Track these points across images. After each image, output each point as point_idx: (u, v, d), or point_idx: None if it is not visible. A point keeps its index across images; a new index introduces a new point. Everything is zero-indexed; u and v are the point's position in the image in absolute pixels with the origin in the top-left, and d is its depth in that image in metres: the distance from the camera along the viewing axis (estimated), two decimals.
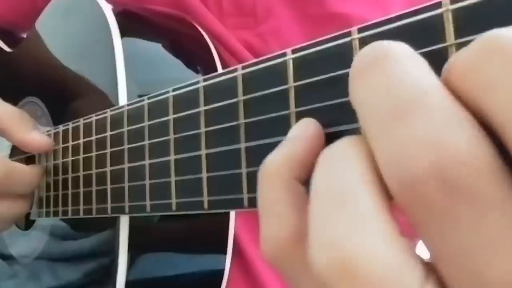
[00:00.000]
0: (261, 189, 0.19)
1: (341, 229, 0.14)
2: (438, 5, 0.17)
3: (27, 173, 0.45)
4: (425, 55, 0.17)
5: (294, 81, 0.22)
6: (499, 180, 0.12)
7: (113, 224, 0.40)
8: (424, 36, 0.17)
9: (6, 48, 0.67)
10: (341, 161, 0.16)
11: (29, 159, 0.55)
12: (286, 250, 0.17)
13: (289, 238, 0.17)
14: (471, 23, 0.16)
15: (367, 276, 0.14)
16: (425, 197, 0.13)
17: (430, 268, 0.14)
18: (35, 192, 0.49)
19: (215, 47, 0.47)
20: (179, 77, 0.44)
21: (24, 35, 0.74)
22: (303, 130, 0.19)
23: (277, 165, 0.18)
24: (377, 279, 0.14)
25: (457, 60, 0.14)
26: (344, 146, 0.16)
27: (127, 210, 0.34)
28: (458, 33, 0.16)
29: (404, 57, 0.15)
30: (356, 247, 0.14)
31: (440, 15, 0.17)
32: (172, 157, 0.29)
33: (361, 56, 0.16)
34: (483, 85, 0.13)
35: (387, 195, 0.15)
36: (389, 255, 0.14)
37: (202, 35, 0.48)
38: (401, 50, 0.15)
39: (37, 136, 0.45)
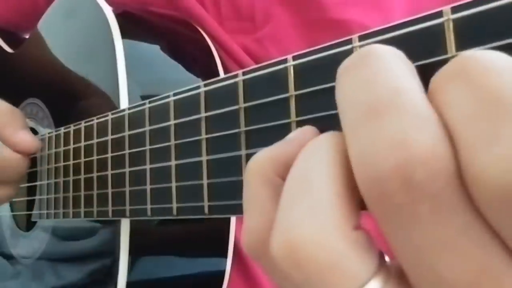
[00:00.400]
0: (245, 184, 0.19)
1: (295, 216, 0.15)
2: (439, 14, 0.17)
3: (14, 160, 0.45)
4: (426, 64, 0.17)
5: (295, 89, 0.22)
6: (456, 184, 0.13)
7: (115, 225, 0.40)
8: (424, 45, 0.17)
9: (8, 49, 0.67)
10: (314, 153, 0.16)
11: (31, 160, 0.56)
12: (261, 241, 0.18)
13: (265, 228, 0.18)
14: (472, 32, 0.16)
15: (310, 261, 0.14)
16: (388, 195, 0.13)
17: (391, 268, 0.15)
18: (36, 194, 0.50)
19: (216, 50, 0.47)
20: (180, 80, 0.44)
21: (26, 36, 0.75)
22: (298, 136, 0.20)
23: (261, 162, 0.19)
24: (320, 265, 0.14)
25: (435, 76, 0.14)
26: (321, 139, 0.17)
27: (128, 213, 0.34)
28: (459, 42, 0.16)
29: (387, 58, 0.15)
30: (305, 232, 0.15)
31: (441, 24, 0.17)
32: (173, 162, 0.29)
33: (349, 57, 0.16)
34: (446, 101, 0.14)
35: (355, 192, 0.15)
36: (337, 244, 0.14)
37: (204, 38, 0.48)
38: (386, 51, 0.15)
39: (24, 136, 0.45)
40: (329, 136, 0.17)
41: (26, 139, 0.45)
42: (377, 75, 0.15)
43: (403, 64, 0.15)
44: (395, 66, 0.15)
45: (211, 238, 0.44)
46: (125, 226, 0.39)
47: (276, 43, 0.47)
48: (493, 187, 0.12)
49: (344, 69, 0.16)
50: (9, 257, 0.58)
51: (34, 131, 0.54)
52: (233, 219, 0.44)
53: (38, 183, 0.50)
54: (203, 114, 0.27)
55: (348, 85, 0.15)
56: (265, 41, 0.47)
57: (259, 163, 0.19)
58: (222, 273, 0.43)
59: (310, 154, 0.17)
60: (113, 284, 0.40)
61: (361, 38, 0.19)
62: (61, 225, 0.49)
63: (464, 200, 0.13)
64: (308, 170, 0.16)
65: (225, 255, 0.43)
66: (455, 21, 0.16)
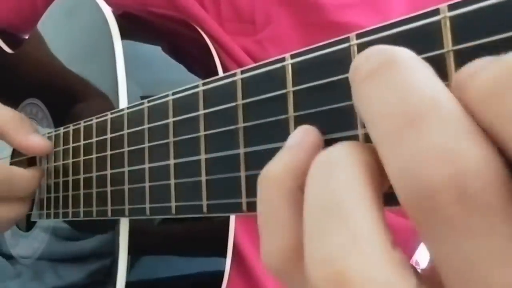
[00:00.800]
0: (261, 198, 0.18)
1: (336, 245, 0.14)
2: (436, 12, 0.17)
3: (25, 177, 0.45)
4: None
5: (293, 86, 0.22)
6: (509, 194, 0.13)
7: (114, 225, 0.40)
8: (422, 42, 0.17)
9: (7, 49, 0.67)
10: (336, 170, 0.16)
11: (30, 161, 0.56)
12: (288, 260, 0.17)
13: (292, 248, 0.17)
14: (468, 30, 0.16)
15: None
16: (441, 208, 0.13)
17: (424, 278, 0.15)
18: (36, 194, 0.50)
19: (216, 51, 0.47)
20: (180, 80, 0.44)
21: (25, 37, 0.75)
22: (303, 138, 0.19)
23: (277, 173, 0.18)
24: None
25: (476, 81, 0.13)
26: (339, 153, 0.16)
27: (127, 213, 0.34)
28: (456, 40, 0.16)
29: (412, 63, 0.14)
30: (350, 263, 0.14)
31: (438, 22, 0.17)
32: (171, 160, 0.29)
33: (365, 59, 0.15)
34: (504, 113, 0.13)
35: (381, 204, 0.15)
36: (383, 270, 0.14)
37: (203, 39, 0.48)
38: (408, 55, 0.15)
39: (36, 139, 0.46)
40: (345, 147, 0.16)
41: (39, 142, 0.46)
42: (408, 81, 0.14)
43: (425, 67, 0.15)
44: (420, 70, 0.14)
45: (210, 238, 0.44)
46: (124, 226, 0.39)
47: (276, 45, 0.47)
48: None
49: (365, 76, 0.15)
50: (9, 257, 0.58)
51: None
52: (232, 219, 0.44)
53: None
54: (201, 112, 0.27)
55: (375, 93, 0.15)
56: (265, 42, 0.48)
57: (276, 175, 0.18)
58: (221, 273, 0.43)
59: (328, 169, 0.16)
60: (112, 284, 0.40)
61: (359, 36, 0.19)
62: (61, 225, 0.49)
63: None
64: (333, 189, 0.15)
65: (224, 255, 0.43)
66: (451, 18, 0.16)
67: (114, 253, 0.40)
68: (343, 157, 0.16)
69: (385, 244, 0.14)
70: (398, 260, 0.14)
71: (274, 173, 0.18)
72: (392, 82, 0.14)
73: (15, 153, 0.59)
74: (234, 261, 0.44)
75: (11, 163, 0.59)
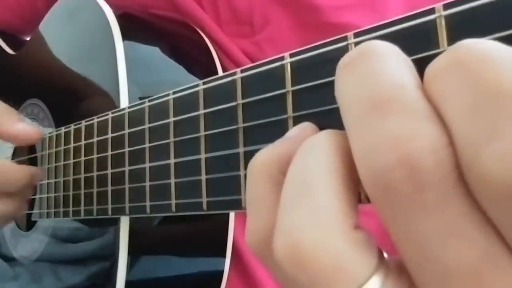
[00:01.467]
0: (249, 182, 0.19)
1: (298, 218, 0.16)
2: (431, 11, 0.17)
3: (18, 172, 0.45)
4: (419, 59, 0.17)
5: (292, 85, 0.22)
6: (458, 173, 0.13)
7: (114, 227, 0.40)
8: (417, 40, 0.18)
9: (9, 50, 0.68)
10: (313, 152, 0.17)
11: (32, 162, 0.56)
12: (264, 239, 0.18)
13: (270, 228, 0.18)
14: (463, 29, 0.16)
15: (315, 264, 0.15)
16: (394, 185, 0.14)
17: (391, 264, 0.16)
18: (31, 193, 0.50)
19: (216, 52, 0.48)
20: (180, 80, 0.44)
21: (26, 38, 0.75)
22: (299, 133, 0.20)
23: (265, 160, 0.19)
24: (324, 268, 0.15)
25: (430, 66, 0.15)
26: (319, 138, 0.17)
27: (127, 211, 0.35)
28: (451, 38, 0.17)
29: (387, 54, 0.15)
30: (307, 236, 0.15)
31: (433, 21, 0.17)
32: (172, 161, 0.30)
33: (348, 53, 0.16)
34: (442, 94, 0.14)
35: (353, 188, 0.16)
36: (339, 247, 0.15)
37: (203, 40, 0.49)
38: (384, 47, 0.16)
39: (24, 127, 0.45)
40: (325, 134, 0.17)
41: (27, 128, 0.45)
42: (378, 71, 0.15)
43: (402, 59, 0.15)
44: (395, 62, 0.15)
45: (210, 239, 0.44)
46: (124, 227, 0.39)
47: (274, 46, 0.47)
48: (492, 185, 0.12)
49: (344, 65, 0.16)
50: (8, 259, 0.58)
51: None
52: (231, 219, 0.44)
53: (38, 183, 0.51)
54: (201, 111, 0.27)
55: (350, 81, 0.16)
56: (263, 44, 0.48)
57: (263, 161, 0.19)
58: (220, 273, 0.44)
59: (307, 152, 0.17)
60: (112, 285, 0.40)
61: (356, 35, 0.20)
62: (61, 226, 0.50)
63: (466, 189, 0.13)
64: (307, 169, 0.16)
65: (223, 255, 0.43)
66: (446, 17, 0.17)
67: (114, 254, 0.40)
68: (322, 142, 0.17)
69: (344, 222, 0.15)
70: (356, 239, 0.15)
71: (262, 158, 0.19)
72: (364, 70, 0.15)
73: (16, 153, 0.59)
74: (233, 261, 0.44)
75: None
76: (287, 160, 0.18)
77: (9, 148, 0.60)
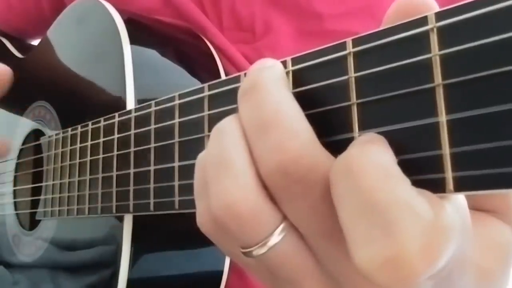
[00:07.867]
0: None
1: (222, 184, 0.21)
2: (424, 20, 0.18)
3: None
4: (411, 64, 0.18)
5: (293, 88, 0.23)
6: (320, 170, 0.20)
7: (115, 235, 0.41)
8: (411, 45, 0.19)
9: (18, 54, 0.69)
10: (225, 135, 0.22)
11: (37, 162, 0.57)
12: (209, 214, 0.23)
13: (209, 206, 0.23)
14: (454, 36, 0.18)
15: (238, 213, 0.21)
16: (275, 181, 0.20)
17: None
18: (41, 194, 0.51)
19: (219, 57, 0.49)
20: (185, 84, 0.45)
21: (32, 43, 0.77)
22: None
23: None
24: (245, 217, 0.21)
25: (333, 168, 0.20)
26: (226, 124, 0.23)
27: (131, 209, 0.36)
28: (442, 46, 0.18)
29: (269, 86, 0.21)
30: (233, 195, 0.21)
31: (426, 30, 0.18)
32: (176, 161, 0.31)
33: (243, 83, 0.23)
34: (335, 194, 0.19)
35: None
36: (254, 200, 0.21)
37: (207, 46, 0.50)
38: (268, 79, 0.22)
39: None
40: (232, 121, 0.23)
41: None
42: (261, 100, 0.21)
43: (282, 88, 0.22)
44: (276, 92, 0.21)
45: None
46: (126, 228, 0.40)
47: (274, 53, 0.48)
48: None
49: (240, 96, 0.22)
50: (10, 265, 0.58)
51: (41, 133, 0.56)
52: None
53: (43, 183, 0.52)
54: (206, 113, 0.28)
55: (244, 107, 0.22)
56: (264, 50, 0.49)
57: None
58: (220, 273, 0.44)
59: (222, 136, 0.22)
60: (115, 283, 0.40)
61: (354, 41, 0.21)
62: (61, 232, 0.50)
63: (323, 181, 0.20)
64: (223, 149, 0.22)
65: (223, 255, 0.44)
66: (438, 27, 0.18)
67: (115, 263, 0.40)
68: (228, 126, 0.23)
69: (256, 182, 0.21)
70: (264, 196, 0.21)
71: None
72: (252, 100, 0.22)
73: (22, 155, 0.60)
74: (233, 261, 0.45)
75: (18, 164, 0.60)
76: None
77: (14, 150, 0.61)
